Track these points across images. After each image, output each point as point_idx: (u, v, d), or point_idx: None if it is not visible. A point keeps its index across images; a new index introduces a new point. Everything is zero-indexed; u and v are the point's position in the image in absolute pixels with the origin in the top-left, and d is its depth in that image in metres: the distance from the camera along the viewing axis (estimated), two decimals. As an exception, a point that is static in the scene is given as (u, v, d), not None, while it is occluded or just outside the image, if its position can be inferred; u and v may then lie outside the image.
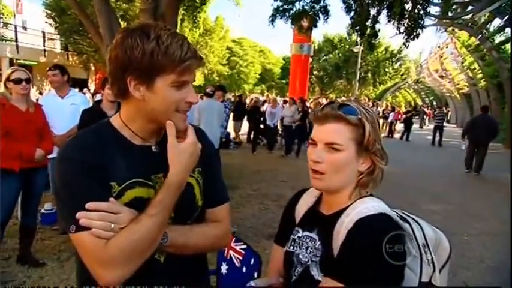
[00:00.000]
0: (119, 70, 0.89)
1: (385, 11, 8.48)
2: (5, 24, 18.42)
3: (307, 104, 12.24)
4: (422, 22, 8.41)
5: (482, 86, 20.93)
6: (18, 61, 15.55)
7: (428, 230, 0.99)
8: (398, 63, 37.78)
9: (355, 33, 9.95)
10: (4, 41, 17.09)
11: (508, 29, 15.51)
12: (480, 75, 21.03)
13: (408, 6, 8.16)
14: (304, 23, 9.35)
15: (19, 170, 2.83)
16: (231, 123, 10.82)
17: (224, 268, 1.83)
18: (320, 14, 9.07)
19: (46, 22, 18.75)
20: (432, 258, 0.95)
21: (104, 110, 3.17)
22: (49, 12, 18.53)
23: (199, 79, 23.37)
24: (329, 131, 0.96)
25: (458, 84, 26.88)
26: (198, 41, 21.71)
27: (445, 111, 20.44)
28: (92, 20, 6.05)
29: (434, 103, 37.49)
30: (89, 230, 0.82)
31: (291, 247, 1.06)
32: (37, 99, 4.80)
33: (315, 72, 35.51)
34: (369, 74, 35.45)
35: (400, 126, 18.32)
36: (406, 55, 37.49)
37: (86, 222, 0.82)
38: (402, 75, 37.92)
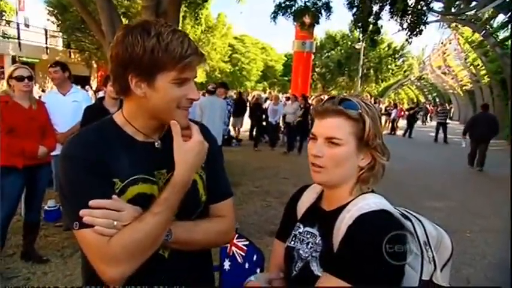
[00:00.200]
0: (120, 68, 0.89)
1: (387, 7, 8.45)
2: (8, 22, 18.49)
3: (310, 101, 12.21)
4: (425, 18, 8.39)
5: (485, 82, 20.76)
6: (20, 58, 15.62)
7: (430, 228, 0.99)
8: (401, 59, 37.61)
9: (358, 30, 9.88)
10: (6, 39, 17.16)
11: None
12: (483, 72, 20.87)
13: (411, 2, 8.14)
14: (306, 19, 9.31)
15: (22, 167, 2.85)
16: (231, 119, 10.82)
17: (227, 264, 1.83)
18: (322, 11, 9.05)
19: (48, 20, 18.83)
20: (433, 256, 0.94)
21: (106, 107, 3.19)
22: (51, 9, 18.61)
23: (201, 76, 23.38)
24: (329, 125, 0.96)
25: (461, 81, 26.72)
26: (200, 38, 21.73)
27: (447, 108, 20.36)
28: (94, 17, 6.07)
29: (437, 100, 37.32)
30: (92, 227, 0.83)
31: (292, 242, 1.06)
32: (39, 97, 4.82)
33: (317, 69, 35.37)
34: (371, 71, 35.30)
35: (402, 123, 18.26)
36: (409, 52, 37.35)
37: (89, 220, 0.83)
38: (405, 72, 37.77)
